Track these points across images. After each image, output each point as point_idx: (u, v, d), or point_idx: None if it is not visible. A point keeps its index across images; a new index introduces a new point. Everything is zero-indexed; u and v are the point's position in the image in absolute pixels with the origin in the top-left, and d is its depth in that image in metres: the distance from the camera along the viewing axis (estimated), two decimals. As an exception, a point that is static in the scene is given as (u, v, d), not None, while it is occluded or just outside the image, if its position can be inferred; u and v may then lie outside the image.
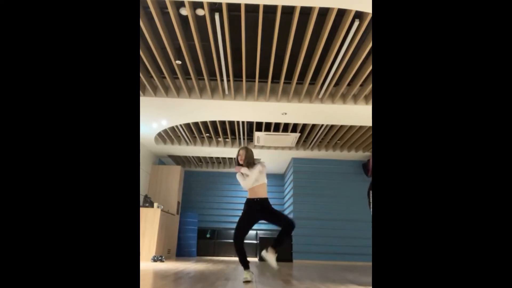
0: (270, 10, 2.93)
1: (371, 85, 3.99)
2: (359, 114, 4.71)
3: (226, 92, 4.30)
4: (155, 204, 5.67)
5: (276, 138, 5.85)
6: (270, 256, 2.73)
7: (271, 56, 3.47)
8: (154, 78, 4.13)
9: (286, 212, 7.73)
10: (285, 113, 4.77)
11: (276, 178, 8.59)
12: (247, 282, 2.67)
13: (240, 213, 2.91)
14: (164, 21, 3.09)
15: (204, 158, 7.80)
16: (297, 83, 4.30)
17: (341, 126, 5.56)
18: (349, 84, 4.33)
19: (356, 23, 2.92)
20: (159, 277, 2.94)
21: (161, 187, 6.93)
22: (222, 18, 2.91)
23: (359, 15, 2.93)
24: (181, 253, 7.01)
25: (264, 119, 5.06)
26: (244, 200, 2.96)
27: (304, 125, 5.66)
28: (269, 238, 6.92)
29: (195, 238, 7.24)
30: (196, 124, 5.61)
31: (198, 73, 4.12)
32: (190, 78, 4.29)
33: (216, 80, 4.22)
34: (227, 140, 6.55)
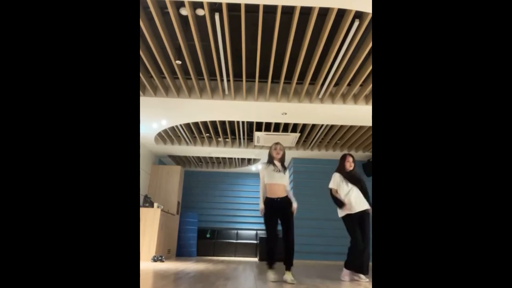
0: (270, 10, 2.92)
1: (371, 85, 3.99)
2: (359, 114, 4.71)
3: (226, 92, 4.29)
4: (155, 204, 5.66)
5: (276, 138, 5.85)
6: (289, 276, 2.94)
7: (271, 56, 3.47)
8: (154, 78, 4.13)
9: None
10: (285, 113, 4.77)
11: (276, 178, 8.57)
12: (274, 281, 2.84)
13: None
14: (164, 21, 3.09)
15: (204, 158, 7.79)
16: (297, 83, 4.30)
17: (341, 126, 5.56)
18: (349, 84, 4.33)
19: (356, 23, 2.92)
20: (159, 277, 2.94)
21: (161, 187, 6.92)
22: (222, 18, 2.91)
23: (359, 15, 2.93)
24: (181, 253, 7.01)
25: (264, 119, 5.06)
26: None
27: (304, 125, 5.66)
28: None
29: (195, 238, 7.24)
30: (196, 124, 5.61)
31: (198, 73, 4.12)
32: (190, 78, 4.29)
33: (216, 80, 4.22)
34: (227, 140, 6.55)
